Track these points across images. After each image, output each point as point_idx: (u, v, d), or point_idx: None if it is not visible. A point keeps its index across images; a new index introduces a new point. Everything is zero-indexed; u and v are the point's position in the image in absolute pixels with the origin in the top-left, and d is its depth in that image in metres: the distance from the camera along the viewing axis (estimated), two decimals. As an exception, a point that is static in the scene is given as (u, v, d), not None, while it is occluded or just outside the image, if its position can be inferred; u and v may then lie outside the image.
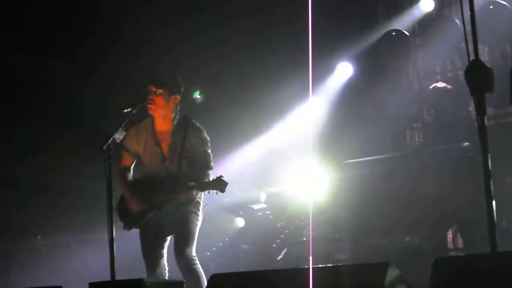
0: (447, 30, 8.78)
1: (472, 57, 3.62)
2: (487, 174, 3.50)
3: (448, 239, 8.00)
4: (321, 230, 8.48)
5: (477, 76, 3.54)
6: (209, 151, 6.45)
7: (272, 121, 9.67)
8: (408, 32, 9.56)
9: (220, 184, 6.15)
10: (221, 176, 6.17)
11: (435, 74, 9.82)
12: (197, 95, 10.30)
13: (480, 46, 8.71)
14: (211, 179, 6.24)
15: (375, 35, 9.66)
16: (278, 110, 9.55)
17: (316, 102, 9.66)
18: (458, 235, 7.84)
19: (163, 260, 6.38)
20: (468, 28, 3.71)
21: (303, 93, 8.82)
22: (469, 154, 7.14)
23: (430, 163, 7.63)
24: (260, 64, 9.45)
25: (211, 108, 9.49)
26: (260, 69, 9.44)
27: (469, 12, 3.65)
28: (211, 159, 6.45)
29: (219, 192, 6.18)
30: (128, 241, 6.64)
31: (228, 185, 6.16)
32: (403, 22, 9.66)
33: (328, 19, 9.27)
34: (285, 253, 8.91)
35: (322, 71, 9.59)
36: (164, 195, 6.27)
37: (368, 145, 9.09)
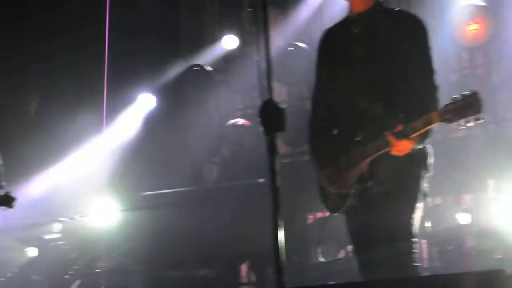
0: (249, 68, 9.02)
1: (267, 97, 3.70)
2: (275, 211, 3.58)
3: (242, 274, 8.13)
4: (117, 261, 8.35)
5: (270, 116, 3.62)
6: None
7: (68, 151, 9.42)
8: (211, 68, 9.71)
9: (7, 200, 5.99)
10: (7, 192, 6.02)
11: (236, 110, 10.00)
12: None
13: (279, 86, 9.05)
14: None
15: (179, 68, 9.73)
16: (76, 139, 9.32)
17: (113, 132, 9.52)
18: (251, 270, 7.99)
19: None
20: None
21: (99, 123, 8.73)
22: (264, 190, 7.30)
23: (226, 198, 7.75)
24: (55, 93, 9.18)
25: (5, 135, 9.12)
26: (55, 99, 9.17)
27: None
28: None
29: (8, 208, 6.04)
30: None
31: (15, 200, 6.02)
32: (207, 57, 9.80)
33: (128, 51, 9.25)
34: (79, 285, 8.69)
35: (123, 101, 9.50)
36: None
37: (167, 178, 9.09)
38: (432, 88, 4.26)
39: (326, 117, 4.46)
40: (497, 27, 8.46)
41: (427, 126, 4.09)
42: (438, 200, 8.67)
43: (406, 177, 4.26)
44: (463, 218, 7.90)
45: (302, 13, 9.27)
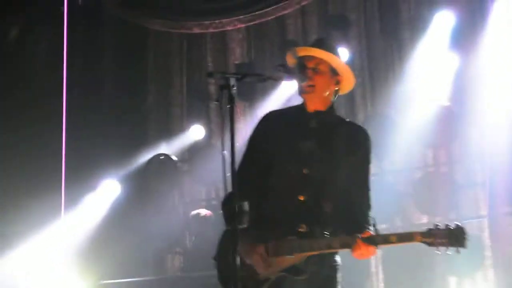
0: (215, 159, 9.04)
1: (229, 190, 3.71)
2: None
3: None
4: None
5: (232, 209, 3.64)
6: None
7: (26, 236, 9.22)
8: (177, 157, 9.73)
9: None
10: None
11: (200, 201, 9.98)
12: None
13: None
14: None
15: (145, 157, 9.73)
16: (33, 224, 9.13)
17: (73, 218, 9.38)
18: None
19: None
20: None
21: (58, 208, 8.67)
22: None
23: (188, 288, 7.71)
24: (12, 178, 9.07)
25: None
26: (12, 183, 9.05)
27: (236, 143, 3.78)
28: None
29: None
30: None
31: None
32: (172, 147, 9.82)
33: (92, 136, 9.26)
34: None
35: (84, 187, 9.42)
36: None
37: (129, 266, 8.99)
38: (369, 206, 4.42)
39: (260, 193, 4.39)
40: (461, 126, 8.64)
41: (404, 242, 4.20)
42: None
43: (332, 277, 4.35)
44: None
45: (269, 106, 9.37)
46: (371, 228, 4.23)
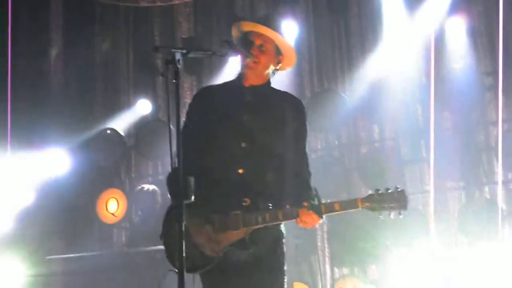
0: (161, 134, 9.00)
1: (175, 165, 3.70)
2: (181, 278, 3.55)
3: None
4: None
5: (177, 185, 3.63)
6: None
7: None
8: (123, 133, 9.65)
9: None
10: None
11: (147, 176, 9.94)
12: None
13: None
14: None
15: (91, 131, 9.64)
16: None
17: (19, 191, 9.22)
18: None
19: None
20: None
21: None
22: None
23: (134, 263, 7.70)
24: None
25: None
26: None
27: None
28: None
29: None
30: None
31: None
32: (119, 122, 9.72)
33: (38, 107, 9.16)
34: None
35: (31, 158, 9.29)
36: None
37: (75, 242, 8.95)
38: (309, 173, 4.48)
39: (201, 170, 4.35)
40: (405, 102, 8.76)
41: (347, 210, 4.27)
42: (345, 271, 8.77)
43: (276, 247, 4.39)
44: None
45: (218, 81, 9.34)
46: (314, 196, 4.28)
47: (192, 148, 4.32)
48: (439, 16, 8.47)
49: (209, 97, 4.57)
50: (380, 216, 4.20)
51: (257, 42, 4.43)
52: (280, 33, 4.49)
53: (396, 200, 4.18)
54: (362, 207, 4.21)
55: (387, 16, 8.76)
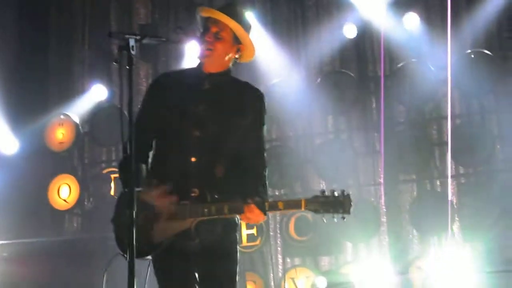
0: (116, 121, 8.92)
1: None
2: (131, 265, 3.54)
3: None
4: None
5: (128, 171, 3.62)
6: None
7: None
8: (78, 119, 9.55)
9: None
10: None
11: (101, 162, 9.88)
12: None
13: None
14: None
15: (44, 116, 9.53)
16: None
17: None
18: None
19: None
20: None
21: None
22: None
23: (86, 249, 7.68)
24: None
25: None
26: None
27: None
28: None
29: None
30: None
31: None
32: (73, 107, 9.62)
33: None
34: None
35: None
36: None
37: (25, 227, 8.87)
38: (264, 167, 4.44)
39: (154, 156, 4.37)
40: (361, 94, 8.83)
41: (291, 209, 4.27)
42: (297, 261, 8.83)
43: (227, 236, 4.38)
44: (320, 283, 8.10)
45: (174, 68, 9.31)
46: (263, 192, 4.27)
47: (145, 134, 4.31)
48: (392, 9, 8.53)
49: (167, 83, 4.52)
50: (323, 218, 4.17)
51: (213, 29, 4.37)
52: (242, 21, 4.44)
53: (341, 204, 4.14)
54: (305, 209, 4.17)
55: (342, 7, 8.82)
